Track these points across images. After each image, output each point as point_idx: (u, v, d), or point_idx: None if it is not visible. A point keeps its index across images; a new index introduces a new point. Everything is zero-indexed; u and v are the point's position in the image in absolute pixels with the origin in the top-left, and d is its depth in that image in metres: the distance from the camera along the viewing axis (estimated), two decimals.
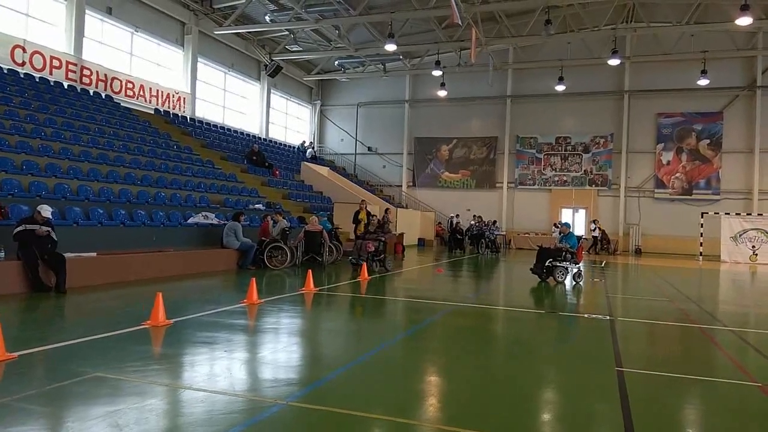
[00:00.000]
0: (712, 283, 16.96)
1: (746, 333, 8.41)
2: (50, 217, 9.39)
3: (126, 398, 4.29)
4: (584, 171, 31.13)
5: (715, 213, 26.03)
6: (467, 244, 26.80)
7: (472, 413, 4.31)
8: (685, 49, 27.23)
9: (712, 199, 28.70)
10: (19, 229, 8.99)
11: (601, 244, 27.83)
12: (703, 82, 27.15)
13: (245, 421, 3.95)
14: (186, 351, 5.94)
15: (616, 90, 30.36)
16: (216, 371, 5.24)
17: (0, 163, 12.00)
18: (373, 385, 5.06)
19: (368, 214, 17.62)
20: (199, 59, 26.22)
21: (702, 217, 25.76)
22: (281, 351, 6.15)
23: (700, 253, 25.36)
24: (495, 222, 28.85)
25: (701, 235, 25.53)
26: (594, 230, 27.97)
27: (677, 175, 29.52)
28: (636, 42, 28.63)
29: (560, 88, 29.22)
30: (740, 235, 24.67)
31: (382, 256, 14.74)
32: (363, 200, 20.11)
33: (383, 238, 15.07)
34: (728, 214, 25.55)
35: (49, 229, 9.22)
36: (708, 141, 29.04)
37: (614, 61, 26.46)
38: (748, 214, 25.60)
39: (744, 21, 20.31)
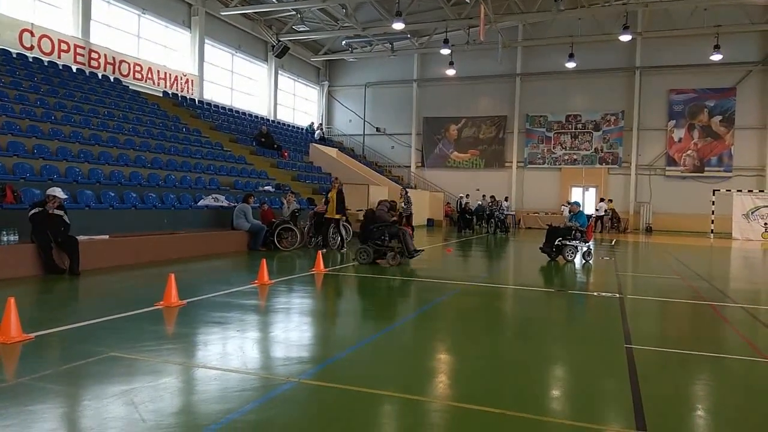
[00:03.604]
0: (723, 260, 16.86)
1: (757, 310, 8.39)
2: (64, 197, 9.49)
3: (141, 377, 4.37)
4: (594, 149, 30.86)
5: (726, 190, 25.79)
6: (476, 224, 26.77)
7: (481, 390, 4.36)
8: (697, 24, 26.65)
9: (724, 176, 28.41)
10: (33, 212, 9.10)
11: (611, 222, 27.65)
12: (716, 57, 26.64)
13: (258, 398, 4.02)
14: (199, 330, 6.03)
15: (627, 67, 29.93)
16: (229, 350, 5.32)
17: (12, 147, 12.09)
18: (384, 363, 5.12)
19: (339, 193, 14.60)
20: (206, 41, 26.11)
21: (713, 194, 25.58)
22: (293, 330, 6.22)
23: (712, 231, 25.22)
24: (507, 198, 28.77)
25: (713, 213, 25.38)
26: (599, 210, 27.10)
27: (689, 152, 29.20)
28: (648, 17, 28.09)
29: (570, 65, 28.81)
30: (752, 213, 24.42)
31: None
32: (336, 178, 17.16)
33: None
34: (740, 191, 25.28)
35: (62, 213, 9.32)
36: (720, 117, 28.65)
37: (625, 37, 26.01)
38: (760, 191, 25.32)
39: None
